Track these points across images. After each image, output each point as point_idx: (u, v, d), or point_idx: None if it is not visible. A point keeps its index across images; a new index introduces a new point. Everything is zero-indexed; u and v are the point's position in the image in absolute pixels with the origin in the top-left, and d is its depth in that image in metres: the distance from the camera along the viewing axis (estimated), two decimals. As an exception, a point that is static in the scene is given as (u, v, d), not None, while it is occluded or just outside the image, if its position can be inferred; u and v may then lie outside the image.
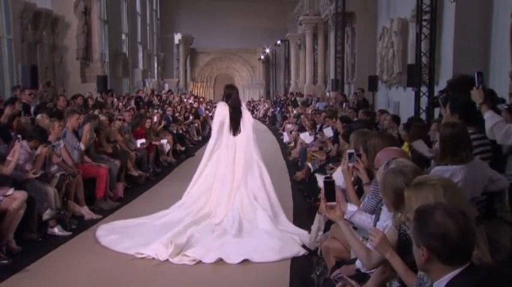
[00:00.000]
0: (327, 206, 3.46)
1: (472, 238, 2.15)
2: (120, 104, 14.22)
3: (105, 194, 8.08)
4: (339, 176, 4.94)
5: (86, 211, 7.38)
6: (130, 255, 5.71)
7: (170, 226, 6.36)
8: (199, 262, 5.49)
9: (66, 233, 6.52)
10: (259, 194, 6.85)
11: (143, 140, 10.63)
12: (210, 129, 8.29)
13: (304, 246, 5.79)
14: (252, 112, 27.61)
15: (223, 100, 7.16)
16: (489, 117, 4.39)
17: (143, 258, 5.62)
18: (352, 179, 4.45)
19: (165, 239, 5.78)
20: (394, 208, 3.02)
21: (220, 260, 5.52)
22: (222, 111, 7.01)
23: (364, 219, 3.75)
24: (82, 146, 7.97)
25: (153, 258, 5.56)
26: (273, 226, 6.44)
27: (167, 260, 5.51)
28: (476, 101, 4.51)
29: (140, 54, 27.28)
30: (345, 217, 3.63)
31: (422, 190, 2.52)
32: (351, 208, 3.82)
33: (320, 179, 5.77)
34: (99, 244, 6.16)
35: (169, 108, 16.06)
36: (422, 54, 11.15)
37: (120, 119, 10.14)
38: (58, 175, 6.96)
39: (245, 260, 5.52)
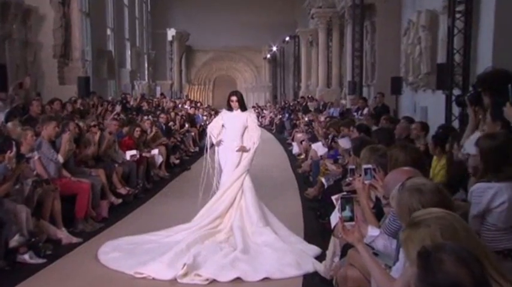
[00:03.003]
0: (344, 227, 3.43)
1: None
2: (100, 108, 14.02)
3: (87, 214, 8.06)
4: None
5: (63, 234, 7.34)
6: (128, 275, 5.91)
7: (173, 244, 6.68)
8: (213, 281, 5.80)
9: (40, 261, 6.46)
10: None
11: (134, 152, 10.59)
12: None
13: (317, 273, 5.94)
14: (258, 119, 27.56)
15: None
16: None
17: (143, 278, 5.85)
18: (372, 203, 4.43)
19: (167, 259, 6.11)
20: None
21: (237, 278, 5.86)
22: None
23: (388, 245, 3.71)
24: (60, 159, 7.96)
25: (153, 278, 5.84)
26: (278, 239, 6.92)
27: (173, 280, 5.78)
28: (510, 120, 4.45)
29: (128, 53, 27.39)
30: (365, 241, 3.60)
31: (418, 231, 2.45)
32: (372, 231, 3.79)
33: (335, 199, 5.76)
34: (99, 262, 6.39)
35: (162, 116, 16.00)
36: (454, 51, 11.13)
37: (110, 133, 10.16)
38: (29, 181, 6.92)
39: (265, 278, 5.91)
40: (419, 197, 2.95)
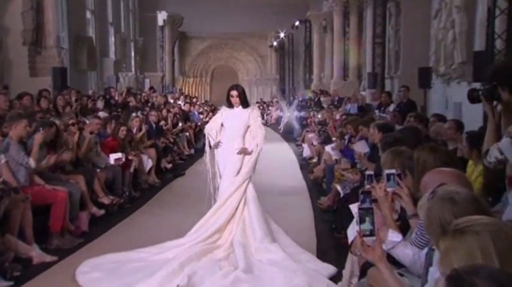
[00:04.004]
0: (363, 243, 3.42)
1: None
2: (75, 103, 13.94)
3: (63, 228, 8.04)
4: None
5: (35, 252, 7.31)
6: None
7: (164, 262, 6.68)
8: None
9: (6, 284, 6.44)
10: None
11: (119, 155, 10.59)
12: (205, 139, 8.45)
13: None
14: (262, 117, 27.57)
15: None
16: None
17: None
18: (396, 215, 4.42)
19: (157, 280, 6.11)
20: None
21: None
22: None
23: (410, 254, 3.70)
24: (32, 163, 7.96)
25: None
26: (287, 257, 6.93)
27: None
28: None
29: (111, 40, 27.38)
30: (384, 247, 3.60)
31: (464, 240, 2.43)
32: (393, 236, 3.78)
33: (354, 208, 5.75)
34: (76, 284, 6.28)
35: (153, 113, 15.97)
36: (495, 36, 11.07)
37: (90, 133, 10.16)
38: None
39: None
40: (451, 208, 2.93)
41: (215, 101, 35.92)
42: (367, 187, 4.77)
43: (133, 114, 14.14)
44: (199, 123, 20.85)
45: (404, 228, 4.29)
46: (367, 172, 4.98)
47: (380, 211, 4.26)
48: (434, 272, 3.25)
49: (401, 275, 3.69)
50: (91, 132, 10.15)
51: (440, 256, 2.57)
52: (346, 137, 11.34)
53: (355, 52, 27.21)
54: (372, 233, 3.47)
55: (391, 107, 14.34)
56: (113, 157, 10.52)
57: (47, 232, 7.88)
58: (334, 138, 12.70)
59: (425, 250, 3.58)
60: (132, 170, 11.35)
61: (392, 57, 19.92)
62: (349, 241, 5.24)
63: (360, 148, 9.52)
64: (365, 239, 3.45)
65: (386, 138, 6.67)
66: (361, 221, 3.53)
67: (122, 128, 11.74)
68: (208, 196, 7.82)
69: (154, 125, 15.17)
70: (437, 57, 15.91)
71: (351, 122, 11.31)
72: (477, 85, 11.80)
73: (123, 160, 10.68)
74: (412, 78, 16.39)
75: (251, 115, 7.72)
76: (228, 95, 7.78)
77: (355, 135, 10.54)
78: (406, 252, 3.71)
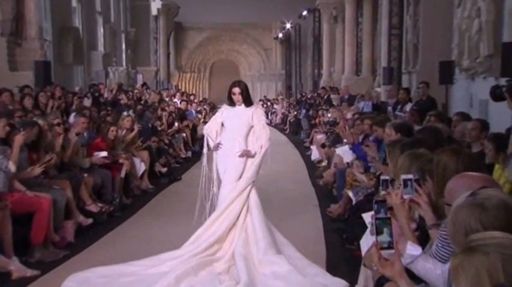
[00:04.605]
0: (380, 256, 3.40)
1: None
2: (54, 101, 13.85)
3: (47, 239, 8.03)
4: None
5: (14, 265, 7.30)
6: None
7: (158, 276, 6.67)
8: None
9: (-17, 300, 6.48)
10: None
11: (105, 153, 10.58)
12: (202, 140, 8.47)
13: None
14: (266, 116, 27.60)
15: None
16: None
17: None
18: (414, 224, 4.40)
19: None
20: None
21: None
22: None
23: (432, 269, 3.68)
24: (12, 167, 7.95)
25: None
26: (293, 270, 6.90)
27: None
28: None
29: (100, 31, 27.43)
30: (403, 261, 3.58)
31: (473, 258, 2.43)
32: (412, 249, 3.76)
33: (368, 217, 5.74)
34: None
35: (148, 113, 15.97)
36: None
37: (77, 134, 10.15)
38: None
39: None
40: (479, 215, 2.91)
41: (214, 98, 35.98)
42: (382, 193, 4.76)
43: (125, 113, 14.13)
44: (194, 122, 20.85)
45: (423, 239, 4.27)
46: (382, 177, 4.95)
47: (396, 221, 4.24)
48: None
49: (415, 278, 3.67)
50: (77, 133, 10.14)
51: (451, 273, 2.58)
52: (361, 137, 11.32)
53: (368, 45, 27.22)
54: (390, 246, 3.45)
55: (409, 106, 14.29)
56: (97, 155, 10.48)
57: (28, 243, 7.83)
58: (345, 140, 12.68)
59: (448, 263, 3.56)
60: (123, 175, 11.33)
61: (411, 50, 19.85)
62: (363, 252, 5.23)
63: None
64: (382, 252, 3.43)
65: (403, 139, 6.66)
66: (378, 232, 3.51)
67: (112, 128, 11.71)
68: (200, 205, 7.83)
69: (151, 126, 15.20)
70: (461, 50, 15.86)
71: (368, 118, 11.27)
72: (503, 81, 11.83)
73: (110, 159, 10.63)
74: (432, 73, 16.37)
75: (254, 114, 7.73)
76: (230, 93, 7.79)
77: (371, 134, 10.51)
78: (428, 266, 3.68)
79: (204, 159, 7.93)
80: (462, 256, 2.48)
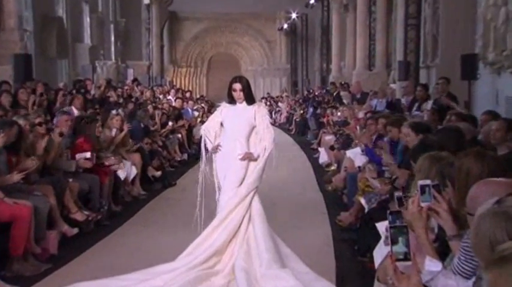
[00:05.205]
0: (395, 268, 3.41)
1: None
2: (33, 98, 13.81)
3: (27, 251, 8.02)
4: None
5: (-8, 279, 7.36)
6: None
7: None
8: None
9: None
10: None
11: (87, 154, 10.50)
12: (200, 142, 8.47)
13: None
14: (270, 115, 27.61)
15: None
16: None
17: None
18: (432, 235, 4.41)
19: None
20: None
21: None
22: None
23: (454, 286, 3.68)
24: (-11, 171, 7.97)
25: None
26: (299, 285, 6.85)
27: None
28: None
29: (87, 21, 27.43)
30: (422, 279, 3.58)
31: (504, 271, 2.41)
32: (432, 265, 3.76)
33: (382, 227, 5.74)
34: None
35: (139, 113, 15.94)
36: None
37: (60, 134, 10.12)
38: None
39: None
40: (504, 224, 2.92)
41: (213, 95, 36.00)
42: (396, 206, 4.75)
43: (114, 111, 14.10)
44: (193, 123, 20.85)
45: (442, 251, 4.27)
46: (397, 193, 4.93)
47: (412, 231, 4.24)
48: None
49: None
50: (61, 134, 10.11)
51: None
52: (374, 137, 11.32)
53: (382, 36, 27.15)
54: (406, 257, 3.45)
55: (429, 104, 14.18)
56: (80, 157, 10.43)
57: (6, 255, 7.83)
58: (356, 141, 12.68)
59: (473, 279, 3.56)
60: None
61: (429, 42, 19.86)
62: (376, 265, 5.23)
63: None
64: (398, 264, 3.43)
65: (421, 141, 6.67)
66: (394, 242, 3.50)
67: (97, 124, 11.66)
68: (199, 215, 7.84)
69: (143, 126, 15.17)
70: (486, 42, 15.85)
71: (383, 117, 11.28)
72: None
73: (93, 161, 10.57)
74: (452, 67, 16.34)
75: (257, 113, 7.72)
76: (230, 89, 7.79)
77: (385, 134, 10.52)
78: (450, 283, 3.67)
79: (203, 163, 7.94)
80: (496, 268, 2.45)
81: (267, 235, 7.41)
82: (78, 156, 10.46)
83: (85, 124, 11.30)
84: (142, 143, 14.28)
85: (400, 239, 3.49)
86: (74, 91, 16.50)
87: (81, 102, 13.89)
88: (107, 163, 11.28)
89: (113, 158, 11.62)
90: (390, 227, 3.56)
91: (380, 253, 4.90)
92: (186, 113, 21.50)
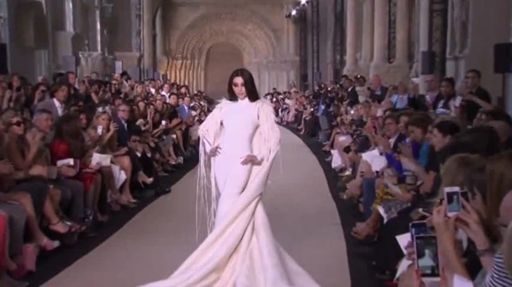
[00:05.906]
0: (421, 285, 3.38)
1: None
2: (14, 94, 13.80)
3: (1, 267, 8.02)
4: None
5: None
6: None
7: None
8: None
9: None
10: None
11: (70, 161, 10.51)
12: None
13: None
14: (276, 113, 27.68)
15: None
16: None
17: None
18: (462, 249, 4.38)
19: None
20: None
21: None
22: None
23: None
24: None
25: None
26: None
27: None
28: None
29: (68, 6, 27.49)
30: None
31: None
32: (461, 284, 3.73)
33: (404, 240, 5.72)
34: None
35: (123, 107, 15.90)
36: None
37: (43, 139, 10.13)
38: None
39: None
40: None
41: (212, 91, 36.07)
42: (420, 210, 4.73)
43: (100, 109, 14.07)
44: (189, 122, 20.88)
45: (472, 268, 4.23)
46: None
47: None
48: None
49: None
50: (42, 137, 10.09)
51: None
52: (392, 140, 11.28)
53: (404, 24, 27.19)
54: (434, 272, 3.42)
55: (458, 100, 14.11)
56: (62, 163, 10.39)
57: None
58: (373, 144, 12.66)
59: None
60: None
61: (458, 30, 19.87)
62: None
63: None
64: (424, 279, 3.40)
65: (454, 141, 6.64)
66: (419, 254, 3.48)
67: (81, 116, 11.63)
68: (197, 227, 7.83)
69: (125, 125, 14.98)
70: (522, 30, 15.89)
71: (405, 114, 11.23)
72: None
73: (77, 167, 10.53)
74: (484, 59, 16.33)
75: (261, 111, 7.70)
76: (231, 84, 7.76)
77: (408, 134, 10.46)
78: None
79: (201, 168, 7.91)
80: None
81: (273, 249, 7.38)
82: (60, 163, 10.38)
83: (67, 125, 11.24)
84: (129, 141, 14.23)
85: (426, 251, 3.48)
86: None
87: (65, 94, 13.74)
88: (92, 164, 11.22)
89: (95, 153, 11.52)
90: (416, 238, 3.53)
91: (403, 270, 4.88)
92: (182, 111, 21.53)
